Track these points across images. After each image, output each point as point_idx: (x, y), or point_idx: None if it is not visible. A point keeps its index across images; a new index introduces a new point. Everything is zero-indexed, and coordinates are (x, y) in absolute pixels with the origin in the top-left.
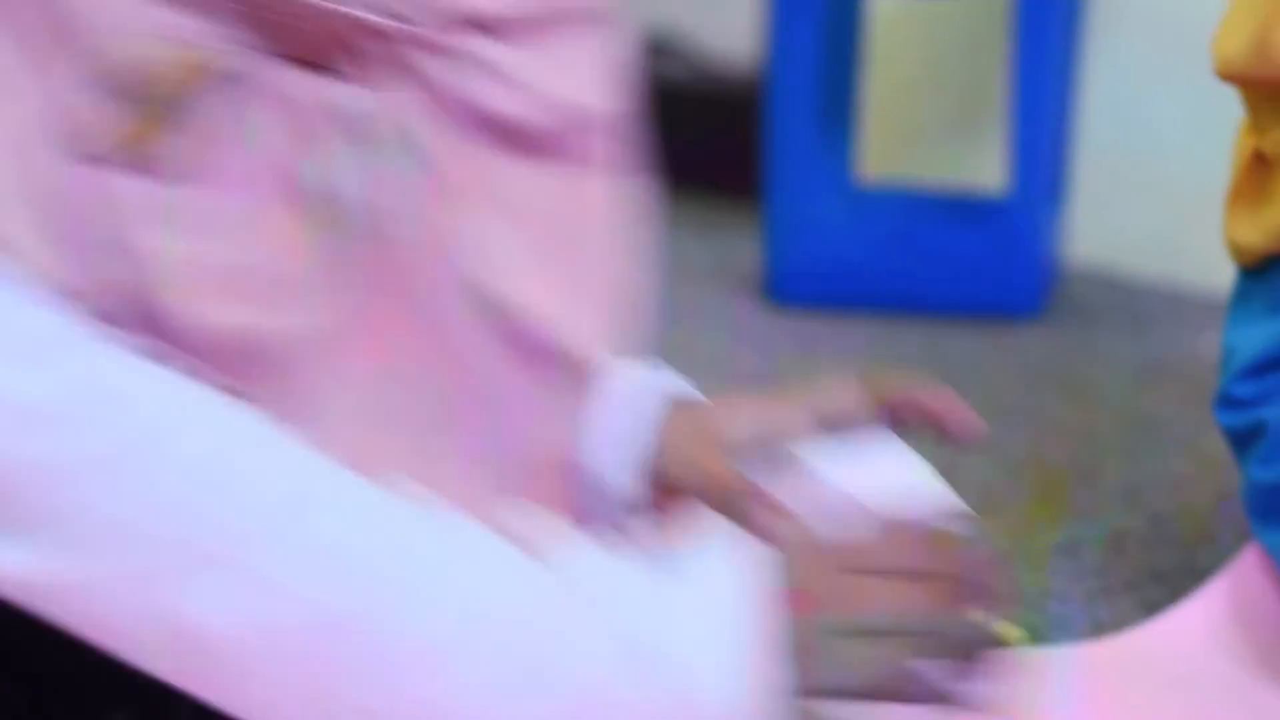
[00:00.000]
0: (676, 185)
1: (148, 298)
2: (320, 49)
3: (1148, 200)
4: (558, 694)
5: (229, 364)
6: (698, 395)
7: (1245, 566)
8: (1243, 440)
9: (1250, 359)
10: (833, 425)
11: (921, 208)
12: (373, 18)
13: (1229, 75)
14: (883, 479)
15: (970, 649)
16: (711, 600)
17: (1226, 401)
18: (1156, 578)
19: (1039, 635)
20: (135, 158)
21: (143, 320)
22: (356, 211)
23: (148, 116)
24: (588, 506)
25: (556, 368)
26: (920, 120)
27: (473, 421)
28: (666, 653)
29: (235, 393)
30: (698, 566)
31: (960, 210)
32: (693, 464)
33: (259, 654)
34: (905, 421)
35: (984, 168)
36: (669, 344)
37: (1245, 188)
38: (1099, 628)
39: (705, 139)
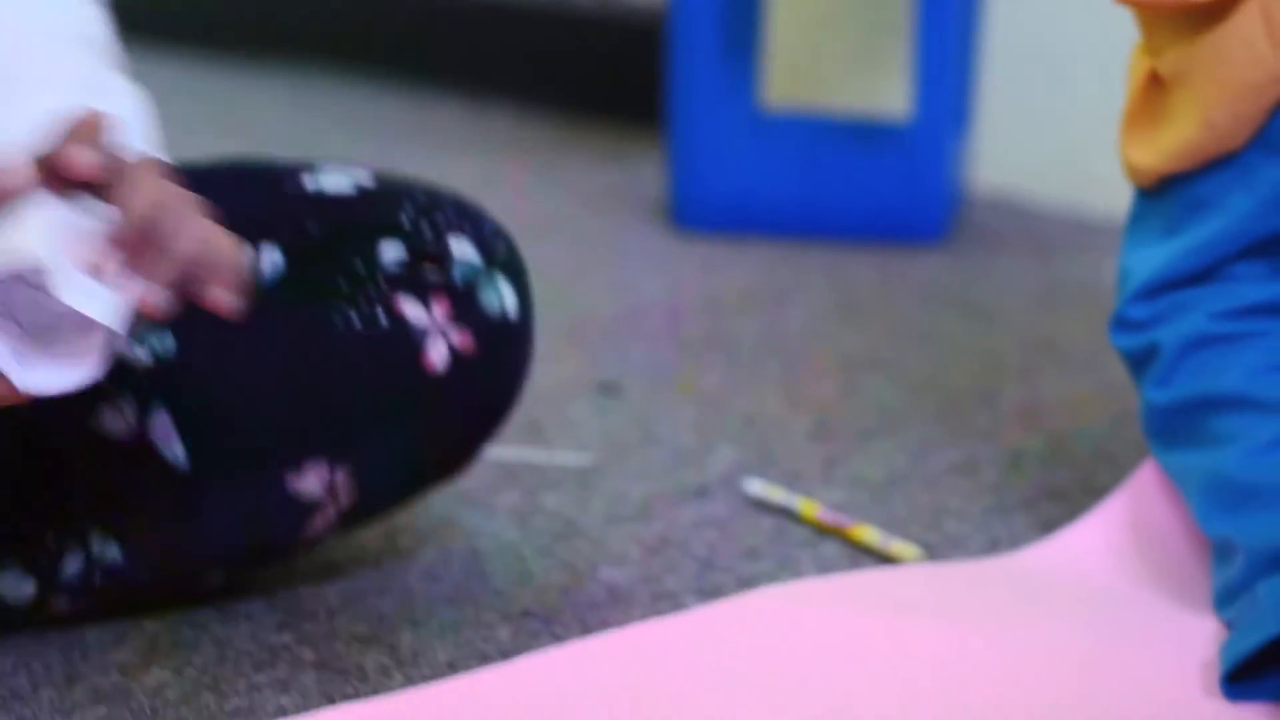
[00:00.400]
0: (583, 113)
1: None
2: None
3: (1052, 126)
4: None
5: None
6: None
7: (1142, 485)
8: (1139, 362)
9: (1144, 281)
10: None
11: (826, 134)
12: None
13: None
14: None
15: None
16: None
17: (1122, 324)
18: (1054, 496)
19: (935, 553)
20: None
21: None
22: None
23: None
24: None
25: None
26: (825, 47)
27: None
28: None
29: None
30: None
31: (865, 136)
32: None
33: None
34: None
35: (888, 94)
36: (576, 269)
37: (1140, 109)
38: (995, 545)
39: (611, 66)
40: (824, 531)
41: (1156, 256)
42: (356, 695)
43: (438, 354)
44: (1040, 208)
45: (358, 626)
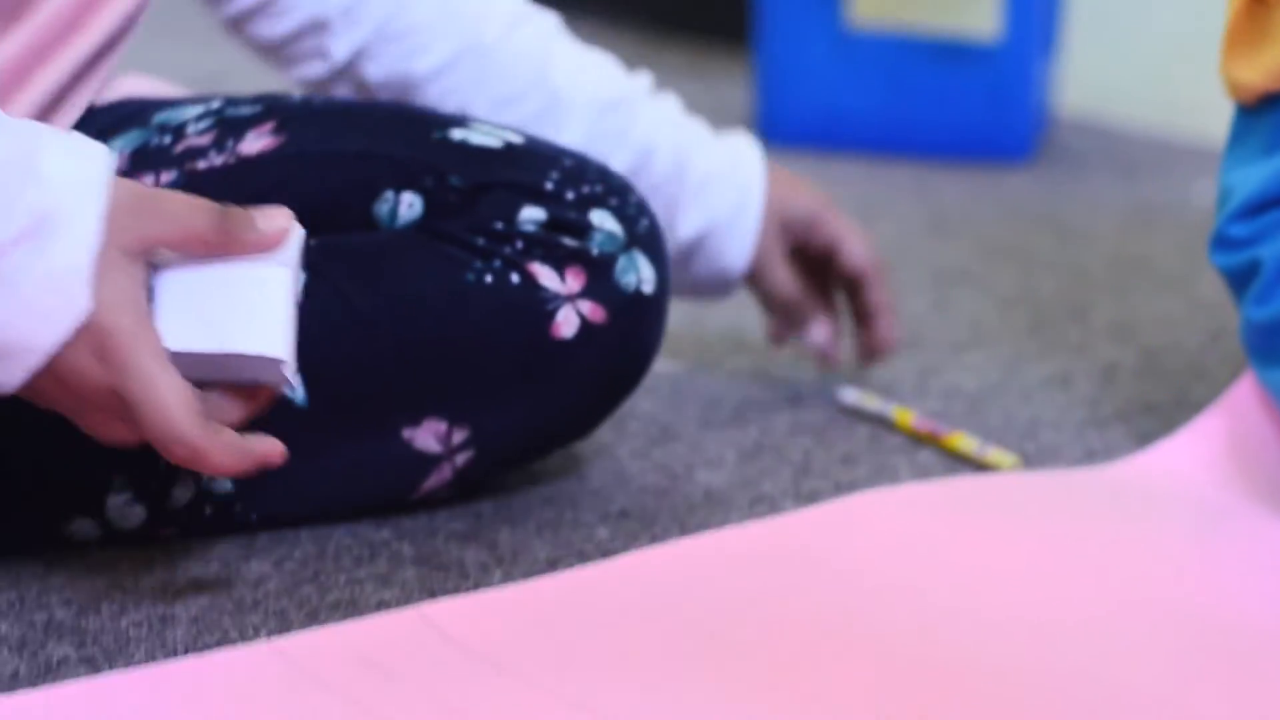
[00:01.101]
0: (666, 29)
1: None
2: None
3: (1138, 49)
4: None
5: None
6: None
7: (1240, 399)
8: (1239, 280)
9: (1246, 198)
10: None
11: (913, 52)
12: None
13: None
14: None
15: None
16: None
17: (1222, 242)
18: (1149, 410)
19: (1031, 463)
20: None
21: None
22: None
23: None
24: None
25: None
26: None
27: None
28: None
29: None
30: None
31: (952, 55)
32: None
33: None
34: None
35: (976, 14)
36: None
37: (1243, 26)
38: (1091, 456)
39: None
40: (919, 440)
41: (1258, 174)
42: (457, 590)
43: (567, 323)
44: (1126, 129)
45: (456, 524)
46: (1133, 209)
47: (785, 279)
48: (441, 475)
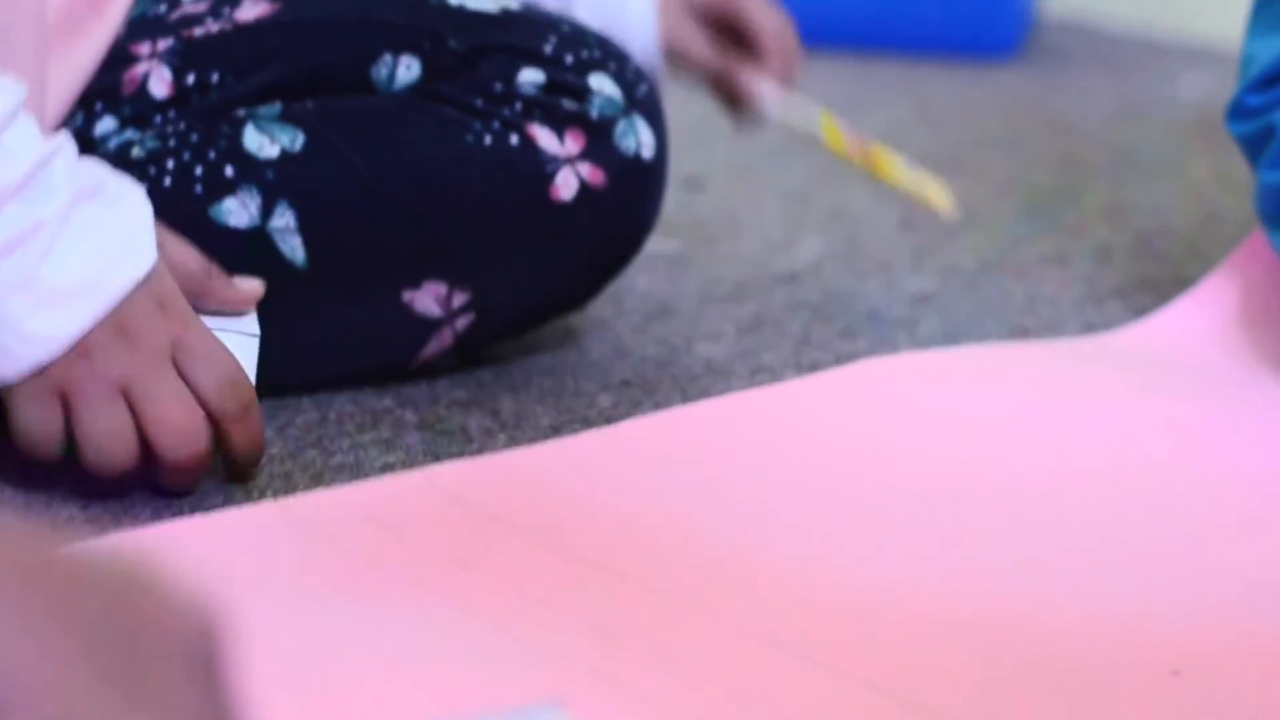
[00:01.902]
0: None
1: None
2: None
3: None
4: None
5: None
6: None
7: (1242, 266)
8: (1255, 146)
9: (1264, 68)
10: None
11: None
12: None
13: None
14: None
15: None
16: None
17: (1239, 112)
18: (1146, 286)
19: (1031, 336)
20: None
21: None
22: None
23: None
24: None
25: None
26: None
27: None
28: None
29: None
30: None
31: None
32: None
33: None
34: None
35: None
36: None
37: None
38: (1090, 329)
39: None
40: (853, 166)
41: (1276, 45)
42: (461, 455)
43: (566, 185)
44: (1111, 29)
45: (458, 392)
46: (1121, 102)
47: (701, 49)
48: (442, 340)
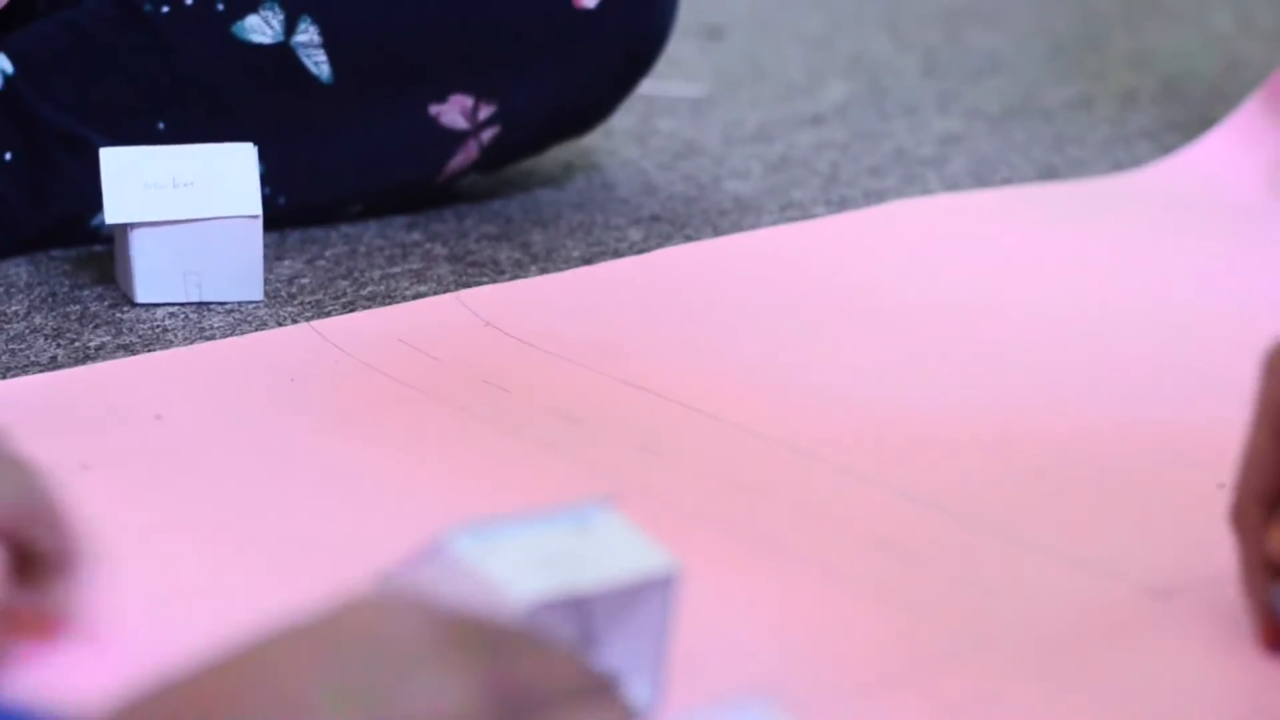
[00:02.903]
0: None
1: None
2: None
3: None
4: None
5: None
6: None
7: (1269, 103)
8: None
9: None
10: None
11: None
12: None
13: None
14: None
15: None
16: None
17: None
18: (1173, 127)
19: (1059, 174)
20: None
21: None
22: None
23: None
24: None
25: None
26: None
27: None
28: None
29: None
30: None
31: None
32: None
33: None
34: None
35: None
36: None
37: None
38: (1118, 168)
39: None
40: None
41: None
42: (493, 283)
43: None
44: None
45: (487, 227)
46: None
47: None
48: (468, 153)
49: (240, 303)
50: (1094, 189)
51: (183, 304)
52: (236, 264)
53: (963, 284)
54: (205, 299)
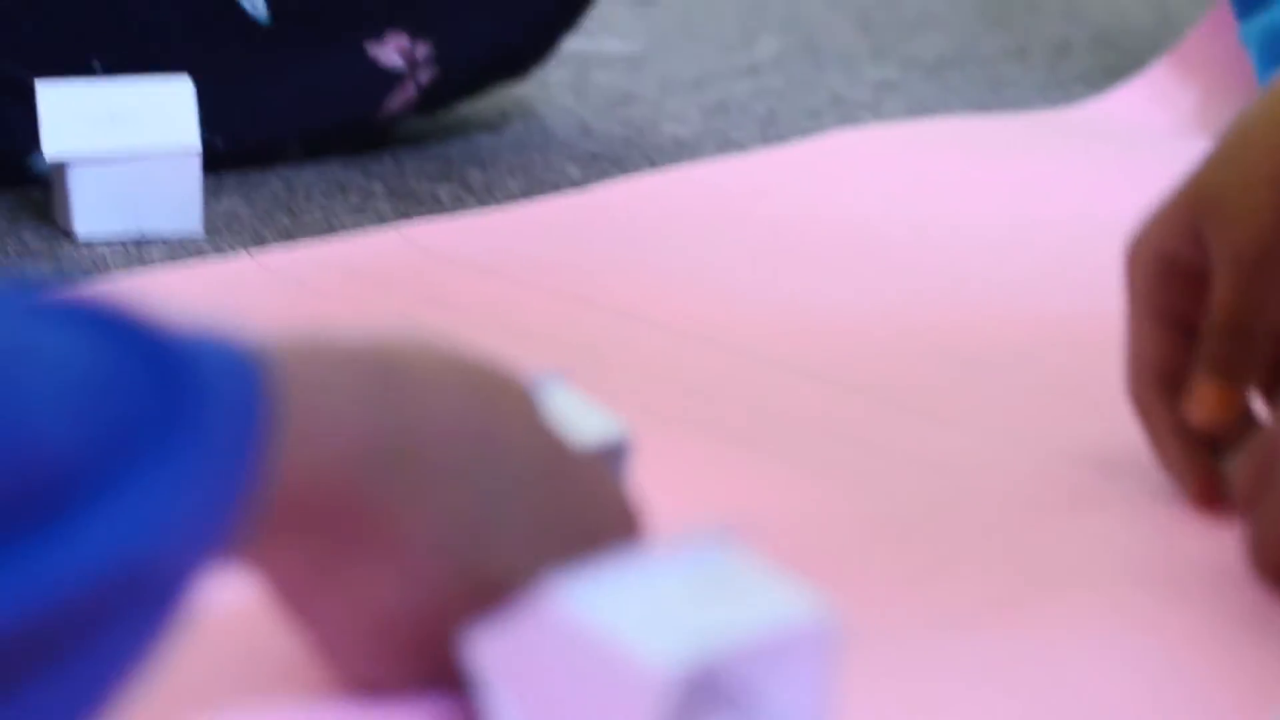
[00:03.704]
0: None
1: None
2: None
3: None
4: None
5: None
6: None
7: (1198, 44)
8: None
9: None
10: None
11: None
12: None
13: None
14: None
15: None
16: None
17: None
18: (1109, 73)
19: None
20: None
21: None
22: None
23: None
24: None
25: None
26: None
27: None
28: None
29: None
30: None
31: None
32: None
33: None
34: None
35: None
36: None
37: None
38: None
39: None
40: None
41: None
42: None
43: None
44: None
45: (426, 167)
46: None
47: None
48: (406, 94)
49: (180, 237)
50: (1025, 121)
51: (122, 239)
52: (176, 196)
53: (900, 203)
54: (145, 232)
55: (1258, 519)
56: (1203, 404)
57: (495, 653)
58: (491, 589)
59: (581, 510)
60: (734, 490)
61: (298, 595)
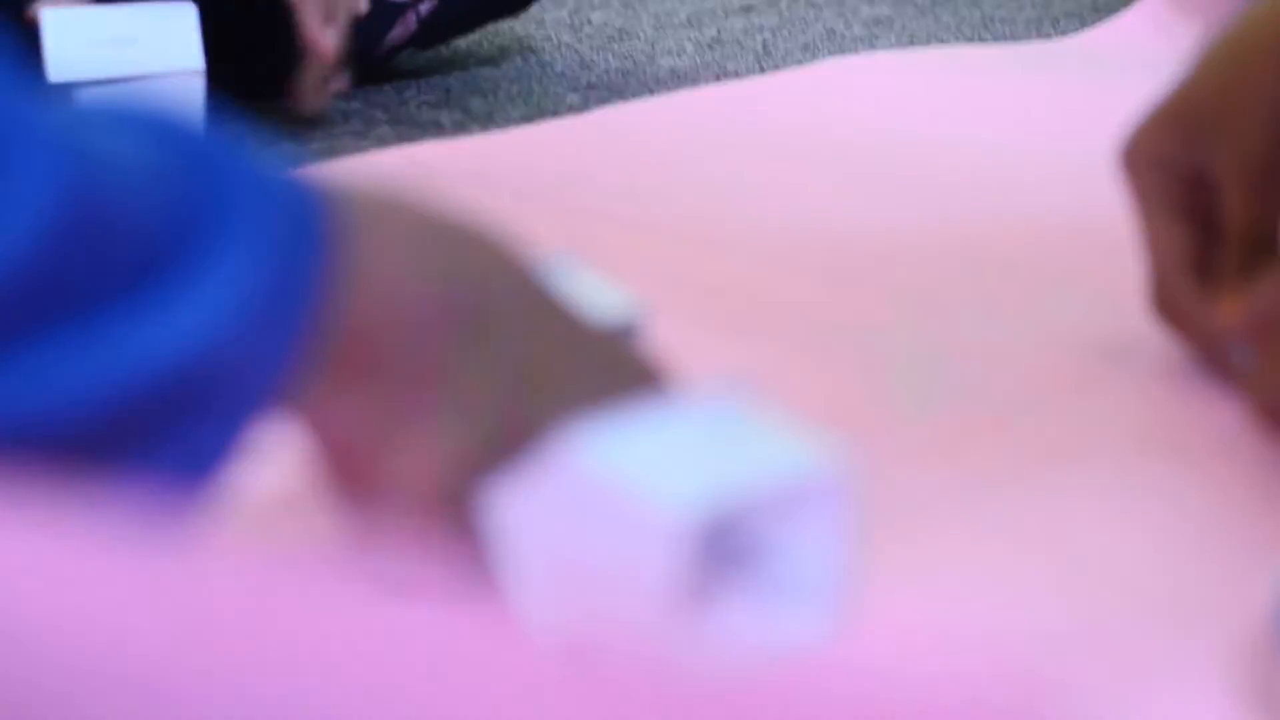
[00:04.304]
0: None
1: None
2: None
3: None
4: None
5: None
6: None
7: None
8: None
9: None
10: None
11: None
12: None
13: None
14: None
15: None
16: None
17: None
18: (1099, 9)
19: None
20: None
21: None
22: None
23: None
24: None
25: None
26: None
27: None
28: None
29: None
30: None
31: None
32: None
33: None
34: None
35: None
36: None
37: None
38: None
39: None
40: None
41: None
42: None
43: None
44: None
45: (428, 96)
46: None
47: None
48: (406, 25)
49: None
50: (1019, 50)
51: None
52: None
53: (894, 122)
54: None
55: (1269, 361)
56: (1232, 314)
57: (512, 504)
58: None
59: (618, 370)
60: (744, 373)
61: (352, 453)
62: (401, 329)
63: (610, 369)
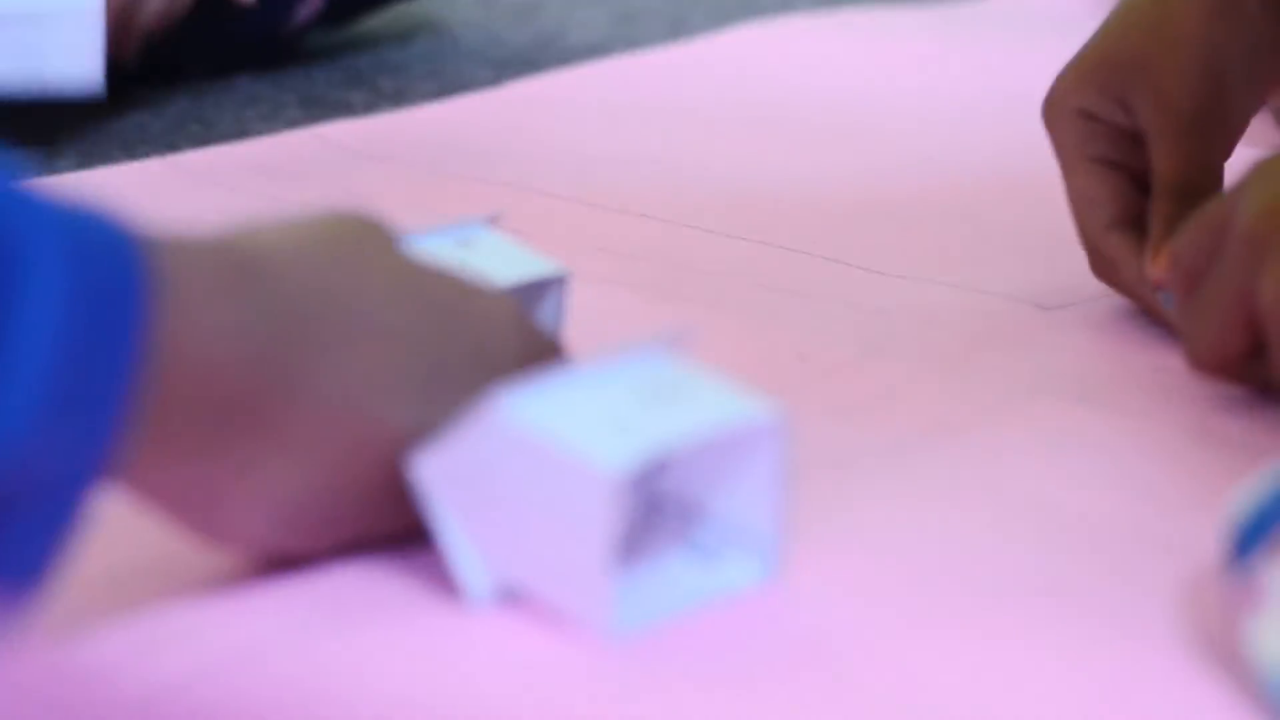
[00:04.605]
0: None
1: None
2: None
3: None
4: None
5: None
6: None
7: None
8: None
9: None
10: None
11: None
12: None
13: None
14: None
15: None
16: None
17: None
18: None
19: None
20: None
21: None
22: None
23: None
24: None
25: None
26: None
27: None
28: None
29: None
30: None
31: None
32: None
33: None
34: None
35: None
36: None
37: None
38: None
39: None
40: None
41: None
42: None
43: None
44: None
45: (337, 76)
46: None
47: None
48: (312, 5)
49: (89, 144)
50: (933, 11)
51: (24, 98)
52: (77, 51)
53: (810, 83)
54: (46, 91)
55: (1194, 306)
56: (1164, 265)
57: (441, 473)
58: (398, 442)
59: (479, 343)
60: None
61: (196, 504)
62: (215, 376)
63: (470, 342)
